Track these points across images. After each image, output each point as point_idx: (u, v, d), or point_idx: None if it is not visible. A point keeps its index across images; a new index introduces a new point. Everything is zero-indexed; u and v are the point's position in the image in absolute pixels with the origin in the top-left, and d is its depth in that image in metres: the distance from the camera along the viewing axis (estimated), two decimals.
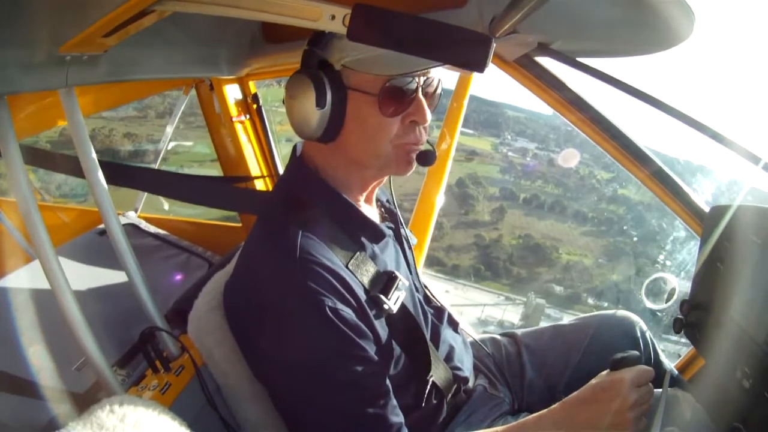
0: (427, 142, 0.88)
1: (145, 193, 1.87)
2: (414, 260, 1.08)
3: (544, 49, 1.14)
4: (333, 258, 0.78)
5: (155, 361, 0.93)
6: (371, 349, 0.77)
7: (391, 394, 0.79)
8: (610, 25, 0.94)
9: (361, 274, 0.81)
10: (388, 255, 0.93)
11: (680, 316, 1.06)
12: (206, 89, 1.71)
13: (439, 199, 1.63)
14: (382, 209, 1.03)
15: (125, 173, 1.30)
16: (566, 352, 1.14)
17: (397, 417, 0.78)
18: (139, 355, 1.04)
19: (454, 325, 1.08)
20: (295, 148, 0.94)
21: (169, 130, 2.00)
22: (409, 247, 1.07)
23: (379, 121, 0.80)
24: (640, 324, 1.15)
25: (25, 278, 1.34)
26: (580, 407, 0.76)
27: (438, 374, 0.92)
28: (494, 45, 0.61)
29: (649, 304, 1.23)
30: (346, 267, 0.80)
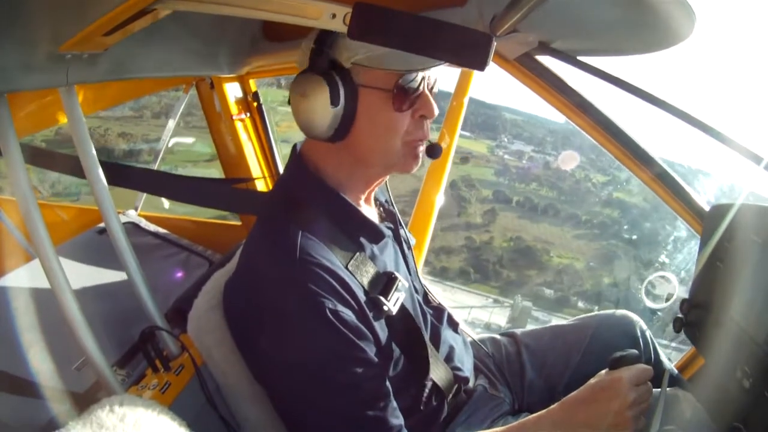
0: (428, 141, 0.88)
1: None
2: (413, 261, 1.08)
3: (545, 47, 1.14)
4: (332, 259, 0.78)
5: (155, 361, 0.93)
6: (371, 351, 0.77)
7: (392, 395, 0.79)
8: (611, 25, 0.93)
9: (361, 275, 0.81)
10: (388, 255, 0.93)
11: (680, 315, 1.06)
12: (207, 87, 1.71)
13: (439, 200, 1.63)
14: (381, 210, 1.03)
15: (125, 174, 1.30)
16: (566, 352, 1.14)
17: (397, 419, 0.78)
18: (139, 355, 1.04)
19: (453, 325, 1.08)
20: (295, 147, 0.93)
21: (172, 124, 2.00)
22: (409, 248, 1.07)
23: (390, 117, 0.81)
24: (640, 323, 1.15)
25: (24, 277, 1.33)
26: (579, 407, 0.76)
27: (438, 375, 0.92)
28: (495, 44, 0.61)
29: (648, 303, 1.23)
30: (346, 268, 0.79)
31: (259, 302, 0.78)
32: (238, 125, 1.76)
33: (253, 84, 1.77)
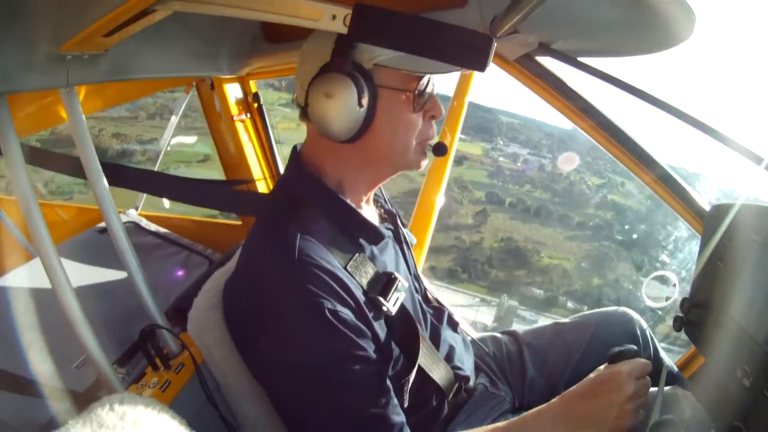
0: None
1: None
2: (414, 261, 1.08)
3: (545, 48, 1.14)
4: (331, 260, 0.78)
5: (155, 359, 0.93)
6: (370, 349, 0.77)
7: (392, 393, 0.79)
8: (611, 25, 0.94)
9: (360, 276, 0.81)
10: (388, 256, 0.93)
11: (680, 314, 1.06)
12: (207, 88, 1.71)
13: (439, 199, 1.63)
14: (381, 210, 1.03)
15: (126, 175, 1.30)
16: (567, 351, 1.15)
17: (399, 416, 0.78)
18: (139, 353, 1.04)
19: (453, 325, 1.08)
20: (295, 148, 0.93)
21: (174, 120, 2.01)
22: (409, 248, 1.07)
23: (408, 117, 0.83)
24: (640, 321, 1.16)
25: (25, 276, 1.34)
26: (579, 400, 0.76)
27: (439, 374, 0.92)
28: (495, 45, 0.61)
29: (648, 303, 1.23)
30: (345, 269, 0.79)
31: (259, 302, 0.78)
32: (239, 126, 1.77)
33: (253, 85, 1.77)
